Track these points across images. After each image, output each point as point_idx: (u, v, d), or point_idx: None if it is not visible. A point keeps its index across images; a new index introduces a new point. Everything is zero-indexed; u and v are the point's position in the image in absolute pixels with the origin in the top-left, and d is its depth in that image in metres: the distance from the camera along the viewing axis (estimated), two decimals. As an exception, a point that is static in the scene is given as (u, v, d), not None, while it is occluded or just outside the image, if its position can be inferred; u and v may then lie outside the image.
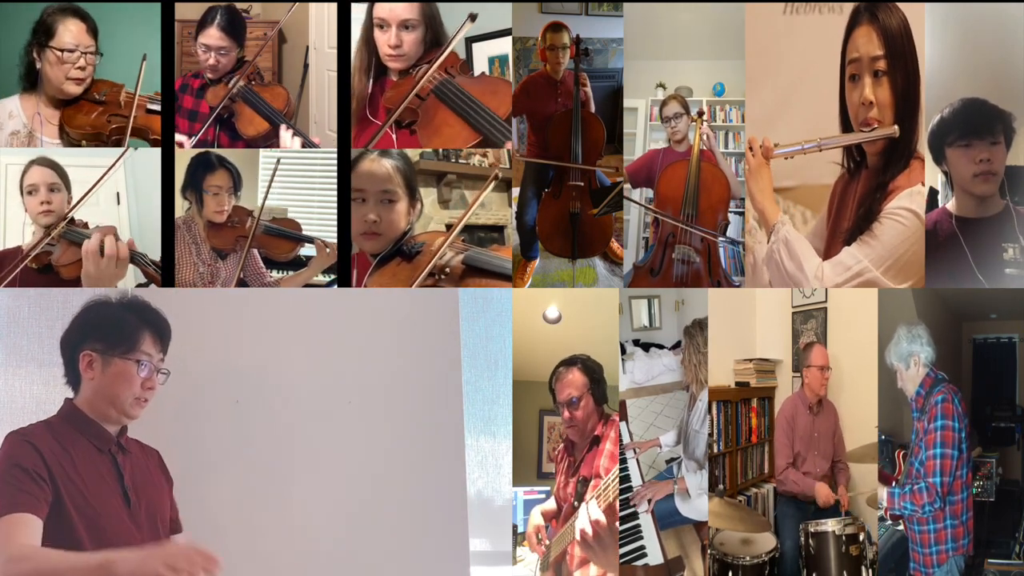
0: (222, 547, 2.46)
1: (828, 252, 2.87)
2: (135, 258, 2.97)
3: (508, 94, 3.04)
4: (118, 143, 3.21)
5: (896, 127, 2.72)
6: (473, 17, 2.89)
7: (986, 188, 2.86)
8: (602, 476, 2.79)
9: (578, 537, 2.50)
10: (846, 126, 2.83)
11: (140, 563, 2.00)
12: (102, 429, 2.30)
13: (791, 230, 2.87)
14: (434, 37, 3.06)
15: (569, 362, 3.01)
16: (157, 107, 3.19)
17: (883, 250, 2.74)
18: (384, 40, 3.03)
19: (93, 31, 3.16)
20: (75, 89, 3.19)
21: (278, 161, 3.25)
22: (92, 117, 3.19)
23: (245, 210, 3.33)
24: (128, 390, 2.29)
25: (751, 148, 2.85)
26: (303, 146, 3.21)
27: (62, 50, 3.11)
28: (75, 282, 3.01)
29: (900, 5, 2.76)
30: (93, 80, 3.20)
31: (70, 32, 3.12)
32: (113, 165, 3.08)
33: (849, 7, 2.83)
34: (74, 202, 3.09)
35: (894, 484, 3.02)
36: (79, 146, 3.24)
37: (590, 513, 2.51)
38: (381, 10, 3.03)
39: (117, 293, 2.46)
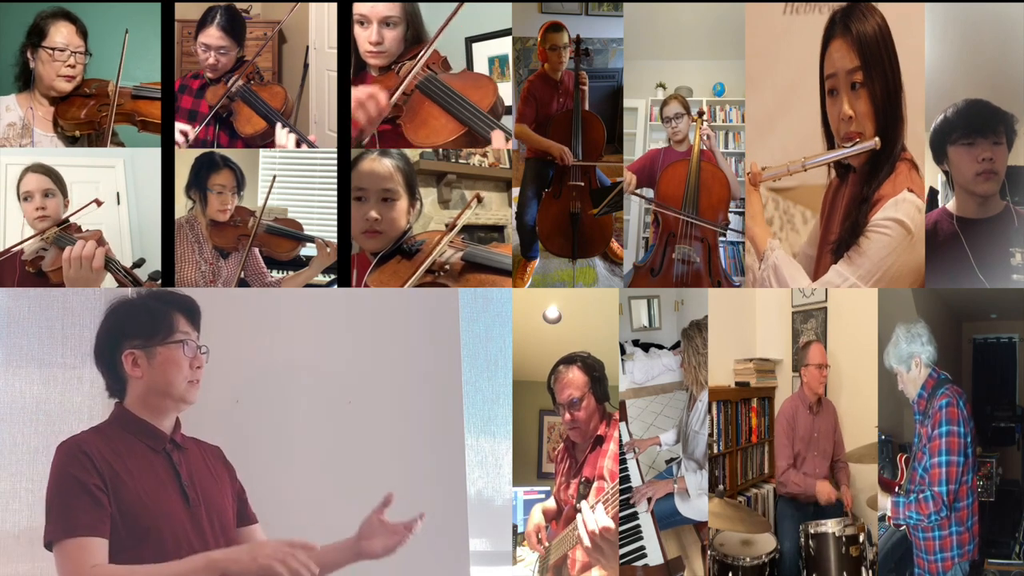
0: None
1: (820, 260, 2.86)
2: (109, 265, 2.98)
3: (490, 88, 2.99)
4: (113, 133, 3.30)
5: (877, 139, 2.70)
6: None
7: (987, 187, 2.86)
8: (605, 478, 2.76)
9: (587, 543, 2.44)
10: (829, 139, 2.81)
11: (250, 559, 2.01)
12: (154, 428, 2.24)
13: (780, 255, 2.85)
14: (415, 34, 3.03)
15: (568, 360, 2.96)
16: (144, 93, 3.27)
17: (870, 265, 2.70)
18: (365, 37, 3.01)
19: (83, 33, 3.28)
20: (65, 86, 3.29)
21: (274, 178, 3.30)
22: (84, 110, 3.28)
23: (247, 210, 3.34)
24: (179, 374, 2.24)
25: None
26: (298, 144, 3.20)
27: (53, 49, 3.23)
28: (61, 286, 3.03)
29: (899, 5, 2.75)
30: (83, 79, 3.31)
31: (61, 33, 3.25)
32: (82, 209, 3.17)
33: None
34: (65, 214, 3.15)
35: (897, 490, 2.98)
36: (73, 138, 3.31)
37: (598, 520, 2.45)
38: (362, 7, 3.01)
39: (134, 290, 2.43)
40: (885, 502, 2.87)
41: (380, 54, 3.01)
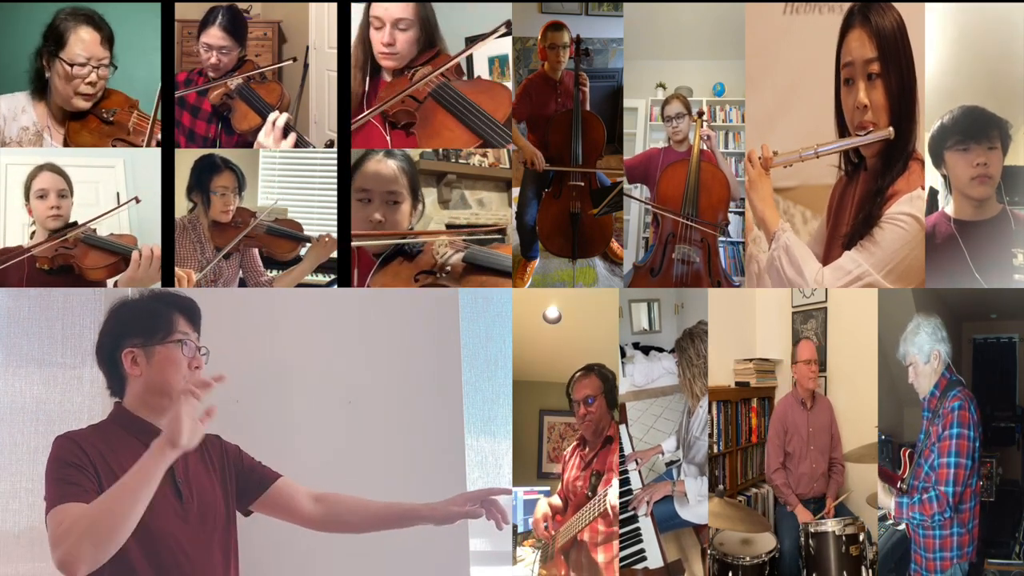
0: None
1: (828, 256, 2.87)
2: None
3: (505, 97, 3.06)
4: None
5: (891, 129, 2.71)
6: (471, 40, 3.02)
7: (982, 191, 2.89)
8: (614, 471, 3.01)
9: (605, 506, 2.90)
10: (842, 129, 2.82)
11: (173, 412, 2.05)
12: (151, 426, 2.24)
13: (791, 236, 2.86)
14: (428, 38, 3.06)
15: (586, 369, 3.20)
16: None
17: (884, 255, 2.72)
18: (378, 38, 3.04)
19: (108, 40, 2.99)
20: (84, 105, 3.07)
21: (256, 216, 3.34)
22: (96, 136, 3.10)
23: (248, 211, 3.37)
24: (177, 373, 2.25)
25: (750, 160, 2.85)
26: (284, 124, 3.16)
27: (72, 64, 2.93)
28: (100, 285, 3.03)
29: (899, 6, 2.75)
30: (106, 90, 3.08)
31: (82, 42, 2.93)
32: (116, 208, 3.15)
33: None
34: (90, 218, 3.08)
35: (900, 484, 2.98)
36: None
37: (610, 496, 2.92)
38: (377, 9, 3.05)
39: (135, 291, 2.43)
40: (887, 500, 2.87)
41: (392, 56, 3.04)
